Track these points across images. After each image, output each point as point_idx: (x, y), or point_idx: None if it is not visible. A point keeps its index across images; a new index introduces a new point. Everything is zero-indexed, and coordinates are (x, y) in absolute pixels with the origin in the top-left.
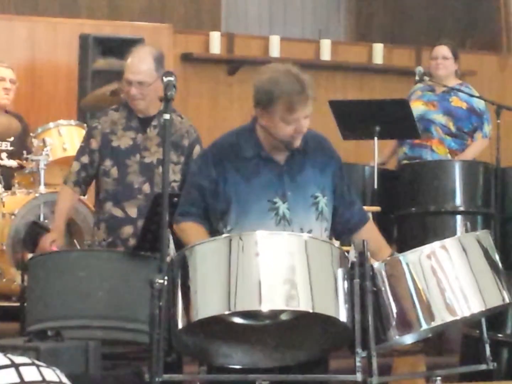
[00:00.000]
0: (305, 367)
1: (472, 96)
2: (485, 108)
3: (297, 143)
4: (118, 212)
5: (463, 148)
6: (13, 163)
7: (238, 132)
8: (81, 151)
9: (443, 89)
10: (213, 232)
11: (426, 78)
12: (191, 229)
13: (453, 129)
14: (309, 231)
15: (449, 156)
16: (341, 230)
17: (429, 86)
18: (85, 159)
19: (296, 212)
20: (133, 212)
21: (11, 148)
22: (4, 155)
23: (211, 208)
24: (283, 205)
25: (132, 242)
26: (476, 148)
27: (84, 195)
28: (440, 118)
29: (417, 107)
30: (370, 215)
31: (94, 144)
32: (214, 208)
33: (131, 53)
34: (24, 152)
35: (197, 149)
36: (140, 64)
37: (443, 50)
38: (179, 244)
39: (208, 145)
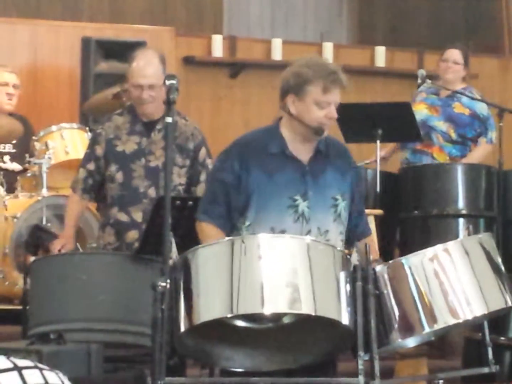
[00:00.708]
0: (314, 369)
1: (473, 99)
2: (488, 113)
3: (326, 131)
4: (123, 217)
5: (465, 154)
6: (16, 166)
7: (262, 130)
8: (87, 158)
9: (447, 93)
10: (233, 228)
11: (429, 81)
12: (210, 233)
13: (454, 136)
14: (326, 231)
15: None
16: (347, 236)
17: (434, 89)
18: (91, 166)
19: (315, 211)
20: (138, 216)
21: (14, 150)
22: (7, 157)
23: (234, 204)
24: (303, 203)
25: (137, 246)
26: (479, 153)
27: (92, 201)
28: (441, 125)
29: (421, 111)
30: (371, 220)
31: (99, 150)
32: (236, 203)
33: (135, 58)
34: (27, 155)
35: (203, 151)
36: (148, 68)
37: (455, 55)
38: (182, 247)
39: (232, 141)
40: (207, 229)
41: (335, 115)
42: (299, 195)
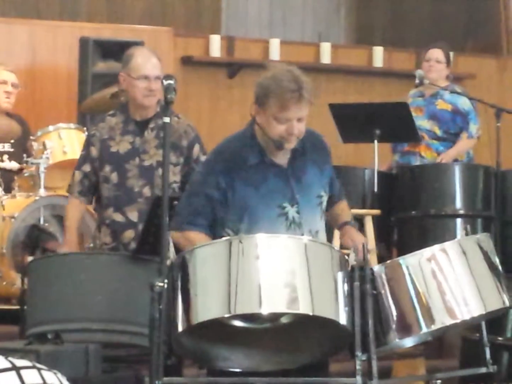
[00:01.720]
0: (306, 370)
1: (458, 93)
2: (470, 108)
3: (289, 145)
4: (119, 217)
5: None
6: (13, 165)
7: (239, 138)
8: (82, 160)
9: (431, 92)
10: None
11: (426, 81)
12: (200, 240)
13: (438, 132)
14: (316, 232)
15: (438, 160)
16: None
17: (419, 92)
18: (86, 167)
19: (305, 214)
20: (134, 216)
21: (12, 149)
22: (5, 157)
23: (219, 218)
24: (292, 209)
25: (133, 246)
26: (460, 147)
27: (90, 203)
28: (425, 123)
29: None
30: (369, 220)
31: (94, 151)
32: (222, 218)
33: (133, 54)
34: (24, 155)
35: (196, 148)
36: (152, 60)
37: (436, 53)
38: (180, 248)
39: (210, 153)
40: (195, 236)
41: (295, 130)
42: (287, 202)
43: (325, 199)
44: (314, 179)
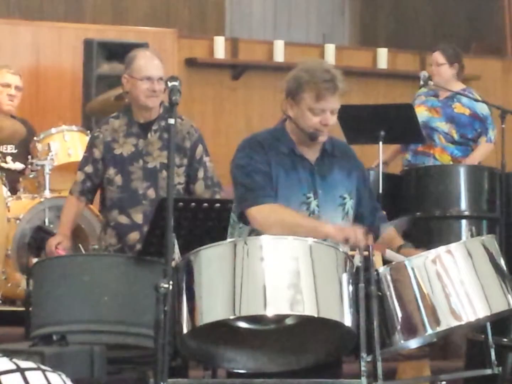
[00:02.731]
0: (320, 370)
1: (476, 100)
2: (488, 113)
3: (322, 138)
4: (123, 219)
5: (467, 155)
6: (18, 166)
7: (269, 132)
8: (85, 161)
9: (447, 94)
10: None
11: (431, 82)
12: (278, 208)
13: (456, 136)
14: None
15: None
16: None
17: (433, 91)
18: (89, 168)
19: (325, 209)
20: (138, 218)
21: (15, 151)
22: (9, 158)
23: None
24: (314, 201)
25: (138, 248)
26: (480, 152)
27: (91, 204)
28: (443, 126)
29: (421, 113)
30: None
31: (97, 153)
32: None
33: (135, 56)
34: (29, 156)
35: (200, 149)
36: (154, 61)
37: (435, 57)
38: (185, 248)
39: (242, 142)
40: (272, 207)
41: (330, 122)
42: (311, 193)
43: (348, 202)
44: (339, 180)
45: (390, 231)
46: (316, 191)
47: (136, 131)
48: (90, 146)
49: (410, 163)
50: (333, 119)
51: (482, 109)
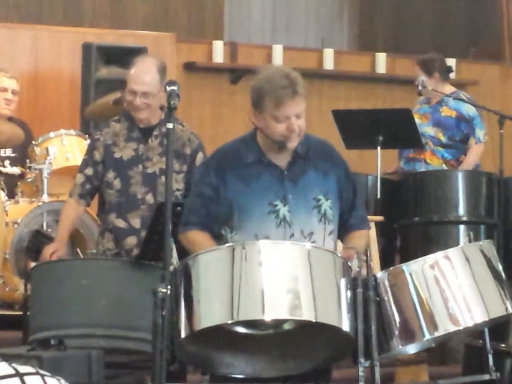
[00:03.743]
0: (308, 376)
1: (464, 102)
2: (475, 113)
3: (292, 144)
4: (121, 223)
5: (457, 157)
6: (16, 170)
7: (240, 140)
8: (85, 163)
9: (437, 99)
10: (218, 236)
11: (429, 87)
12: (195, 237)
13: (443, 139)
14: (310, 234)
15: (444, 167)
16: (340, 231)
17: (426, 98)
18: (89, 171)
19: (296, 214)
20: (136, 223)
21: (14, 154)
22: (7, 162)
23: (214, 214)
24: (284, 207)
25: (136, 252)
26: (472, 155)
27: (88, 206)
28: (429, 130)
29: None
30: (371, 226)
31: (97, 156)
32: (218, 214)
33: (134, 64)
34: (28, 160)
35: (200, 156)
36: (145, 75)
37: (416, 71)
38: (183, 253)
39: (210, 154)
40: (191, 235)
41: (296, 127)
42: (279, 200)
43: (325, 203)
44: (312, 182)
45: (355, 237)
46: (285, 197)
47: (137, 136)
48: (91, 148)
49: (404, 170)
50: (300, 123)
51: (468, 109)
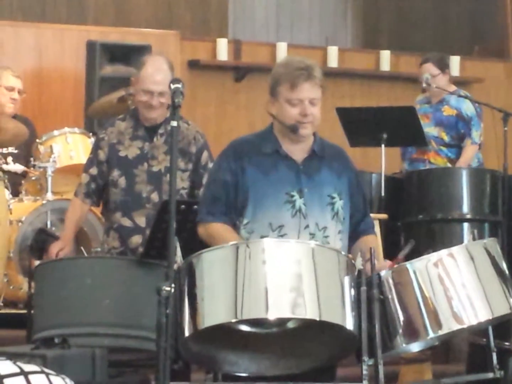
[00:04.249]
0: (313, 374)
1: (466, 98)
2: (473, 113)
3: (304, 131)
4: (126, 222)
5: (459, 156)
6: (18, 167)
7: (255, 134)
8: (90, 162)
9: (438, 99)
10: (233, 227)
11: (433, 85)
12: (219, 230)
13: (446, 138)
14: (324, 228)
15: (449, 166)
16: (350, 235)
17: (426, 98)
18: (93, 170)
19: (312, 208)
20: (141, 221)
21: (16, 151)
22: (9, 159)
23: (233, 202)
24: (300, 199)
25: (141, 251)
26: (467, 156)
27: (97, 206)
28: (432, 130)
29: None
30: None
31: (102, 155)
32: (235, 203)
33: (145, 63)
34: (31, 159)
35: (205, 155)
36: (160, 74)
37: (428, 68)
38: (187, 251)
39: (226, 146)
40: (215, 228)
41: (309, 112)
42: (296, 191)
43: (338, 202)
44: (327, 180)
45: (367, 241)
46: (301, 190)
47: (142, 134)
48: (95, 148)
49: (407, 171)
50: (313, 110)
51: (468, 109)
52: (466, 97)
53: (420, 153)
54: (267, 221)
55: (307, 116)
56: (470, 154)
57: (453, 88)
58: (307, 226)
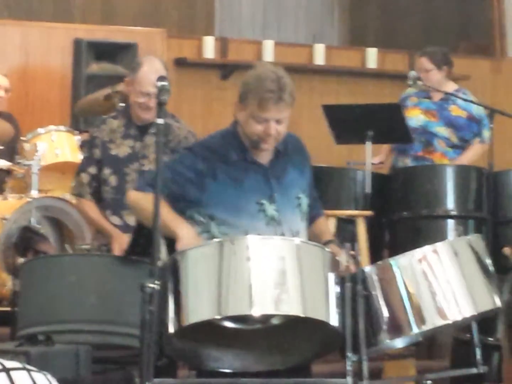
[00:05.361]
0: (288, 371)
1: (472, 102)
2: (483, 113)
3: (265, 146)
4: (116, 221)
5: None
6: (4, 163)
7: (221, 136)
8: (87, 161)
9: (441, 96)
10: (186, 218)
11: (420, 82)
12: (164, 205)
13: (455, 140)
14: (297, 232)
15: None
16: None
17: (425, 93)
18: (92, 169)
19: (284, 213)
20: (131, 220)
21: (1, 147)
22: None
23: (185, 195)
24: (270, 206)
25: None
26: (472, 152)
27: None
28: (443, 131)
29: (417, 116)
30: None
31: (98, 153)
32: (189, 196)
33: (141, 65)
34: (16, 156)
35: None
36: (157, 76)
37: (422, 63)
38: (172, 248)
39: (193, 144)
40: (150, 197)
41: (273, 131)
42: (265, 199)
43: (304, 201)
44: (294, 180)
45: (321, 224)
46: (272, 195)
47: (134, 133)
48: (90, 146)
49: (393, 169)
50: (278, 129)
51: (478, 109)
52: (472, 101)
53: (426, 152)
54: (243, 229)
55: (270, 135)
56: (475, 152)
57: (451, 86)
58: (282, 234)
